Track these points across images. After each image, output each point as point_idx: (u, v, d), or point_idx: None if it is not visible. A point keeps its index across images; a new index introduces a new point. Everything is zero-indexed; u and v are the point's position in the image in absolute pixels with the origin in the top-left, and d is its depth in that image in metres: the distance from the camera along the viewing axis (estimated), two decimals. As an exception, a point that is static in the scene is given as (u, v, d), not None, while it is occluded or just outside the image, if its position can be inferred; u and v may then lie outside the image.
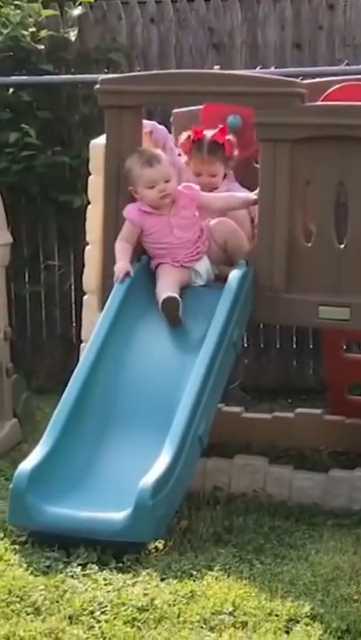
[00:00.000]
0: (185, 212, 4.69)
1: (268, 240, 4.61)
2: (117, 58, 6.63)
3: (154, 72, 5.80)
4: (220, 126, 4.94)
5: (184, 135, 5.00)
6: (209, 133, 4.94)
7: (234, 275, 4.57)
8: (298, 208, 4.62)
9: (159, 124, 5.04)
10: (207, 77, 4.99)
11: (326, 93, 4.87)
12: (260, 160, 4.66)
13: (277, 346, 6.74)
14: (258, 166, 4.71)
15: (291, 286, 4.63)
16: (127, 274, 4.61)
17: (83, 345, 4.66)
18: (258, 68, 6.26)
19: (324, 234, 4.60)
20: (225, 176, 4.96)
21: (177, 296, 4.51)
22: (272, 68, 6.28)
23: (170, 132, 5.21)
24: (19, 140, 6.52)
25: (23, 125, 6.53)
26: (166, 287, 4.57)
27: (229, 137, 4.93)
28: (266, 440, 5.31)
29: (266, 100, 4.56)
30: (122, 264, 4.63)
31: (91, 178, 4.85)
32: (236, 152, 4.95)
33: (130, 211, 4.69)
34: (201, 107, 5.14)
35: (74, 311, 6.80)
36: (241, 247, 4.71)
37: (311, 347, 6.64)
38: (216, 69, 5.67)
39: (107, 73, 6.44)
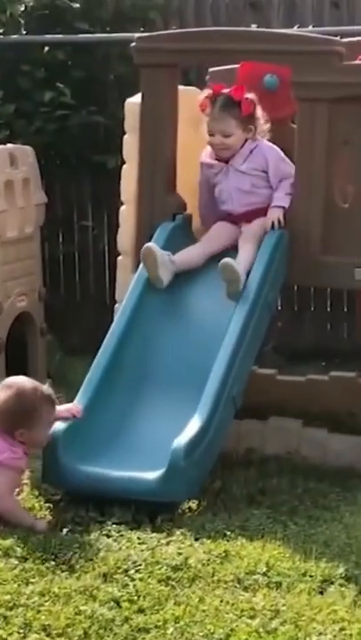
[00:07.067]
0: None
1: (305, 201, 4.57)
2: (153, 16, 6.57)
3: (190, 30, 5.73)
4: (238, 85, 4.65)
5: (203, 93, 4.72)
6: (227, 90, 4.65)
7: (269, 236, 4.54)
8: (335, 168, 4.57)
9: (194, 83, 4.96)
10: (244, 35, 4.93)
11: (365, 52, 4.80)
12: (296, 120, 4.62)
13: (312, 309, 6.71)
14: (294, 126, 4.66)
15: (327, 248, 4.59)
16: None
17: (117, 306, 4.65)
18: (295, 26, 6.18)
19: (361, 195, 4.56)
20: (246, 140, 4.64)
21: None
22: (310, 27, 6.20)
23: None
24: (54, 99, 6.49)
25: (58, 84, 6.50)
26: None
27: (250, 95, 4.62)
28: (300, 403, 5.27)
29: (304, 59, 4.50)
30: None
31: (126, 137, 4.82)
32: (259, 112, 4.65)
33: None
34: (237, 65, 5.08)
35: (107, 272, 6.79)
36: None
37: (346, 310, 6.60)
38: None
39: (142, 32, 6.38)
